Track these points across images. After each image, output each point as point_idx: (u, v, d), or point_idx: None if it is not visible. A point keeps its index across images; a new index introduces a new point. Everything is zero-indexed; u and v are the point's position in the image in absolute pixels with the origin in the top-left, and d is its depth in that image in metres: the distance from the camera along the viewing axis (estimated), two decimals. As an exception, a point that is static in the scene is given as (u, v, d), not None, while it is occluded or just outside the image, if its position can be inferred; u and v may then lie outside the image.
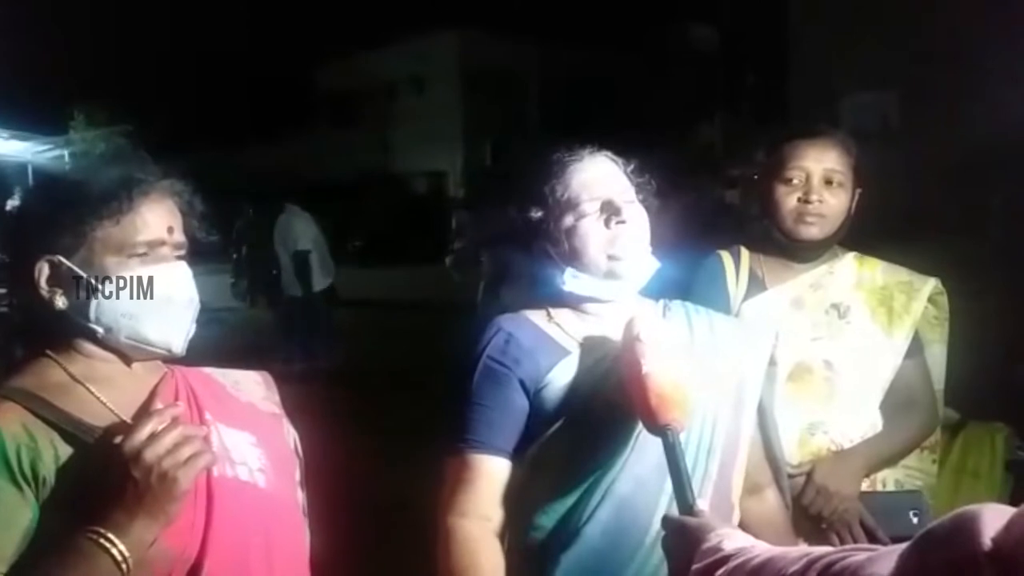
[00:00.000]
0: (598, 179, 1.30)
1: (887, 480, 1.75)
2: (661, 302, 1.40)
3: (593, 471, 1.23)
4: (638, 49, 19.74)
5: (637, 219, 1.30)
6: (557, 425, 1.24)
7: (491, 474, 1.26)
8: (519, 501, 1.27)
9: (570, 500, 1.23)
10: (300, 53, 25.58)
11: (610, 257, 1.27)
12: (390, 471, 3.71)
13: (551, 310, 1.34)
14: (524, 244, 1.34)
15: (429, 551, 1.29)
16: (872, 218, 1.79)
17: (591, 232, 1.27)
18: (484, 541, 1.25)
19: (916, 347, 1.75)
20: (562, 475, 1.24)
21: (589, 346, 1.29)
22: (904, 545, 0.63)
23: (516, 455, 1.27)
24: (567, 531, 1.23)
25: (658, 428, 1.09)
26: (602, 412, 1.23)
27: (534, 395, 1.26)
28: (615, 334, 1.26)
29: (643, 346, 1.13)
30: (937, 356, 1.81)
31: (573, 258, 1.29)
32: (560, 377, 1.27)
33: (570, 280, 1.29)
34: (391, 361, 6.97)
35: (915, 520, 1.67)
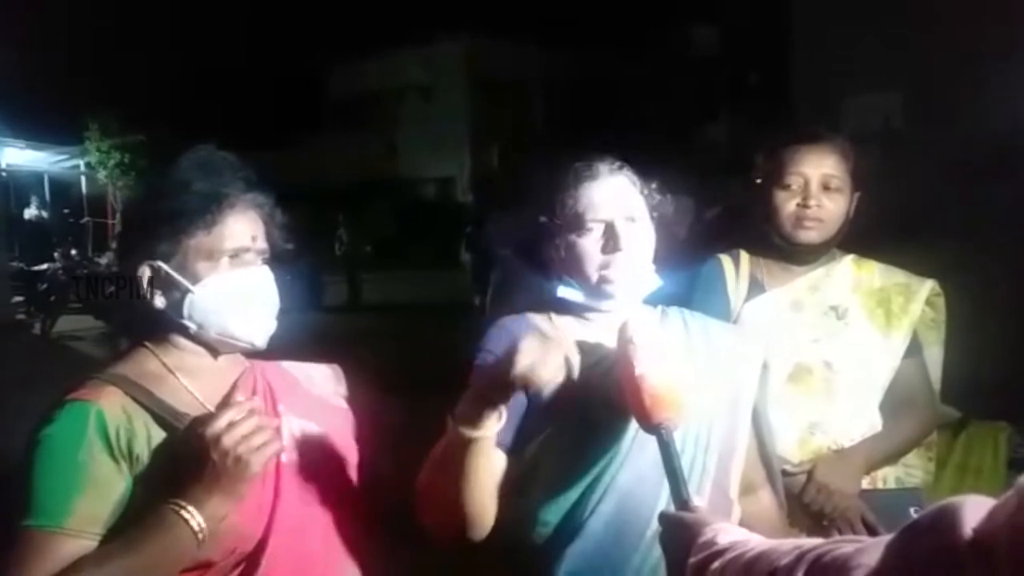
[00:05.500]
0: (606, 200, 1.33)
1: (887, 478, 1.78)
2: (659, 308, 1.43)
3: (594, 466, 1.26)
4: (643, 52, 19.74)
5: (637, 244, 1.32)
6: (558, 424, 1.28)
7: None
8: (523, 498, 1.30)
9: (573, 495, 1.27)
10: (309, 58, 25.67)
11: (601, 280, 1.32)
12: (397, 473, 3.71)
13: (553, 316, 1.38)
14: (534, 248, 1.39)
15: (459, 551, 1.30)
16: (875, 219, 1.81)
17: (586, 252, 1.32)
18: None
19: (914, 348, 1.78)
20: (565, 471, 1.28)
21: (586, 349, 1.33)
22: (890, 536, 0.65)
23: (515, 451, 1.29)
24: (571, 526, 1.26)
25: (652, 427, 1.13)
26: (602, 412, 1.26)
27: (533, 394, 1.28)
28: (613, 340, 1.30)
29: (636, 349, 1.17)
30: (935, 357, 1.84)
31: (569, 270, 1.35)
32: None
33: (563, 289, 1.35)
34: (393, 364, 6.96)
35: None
